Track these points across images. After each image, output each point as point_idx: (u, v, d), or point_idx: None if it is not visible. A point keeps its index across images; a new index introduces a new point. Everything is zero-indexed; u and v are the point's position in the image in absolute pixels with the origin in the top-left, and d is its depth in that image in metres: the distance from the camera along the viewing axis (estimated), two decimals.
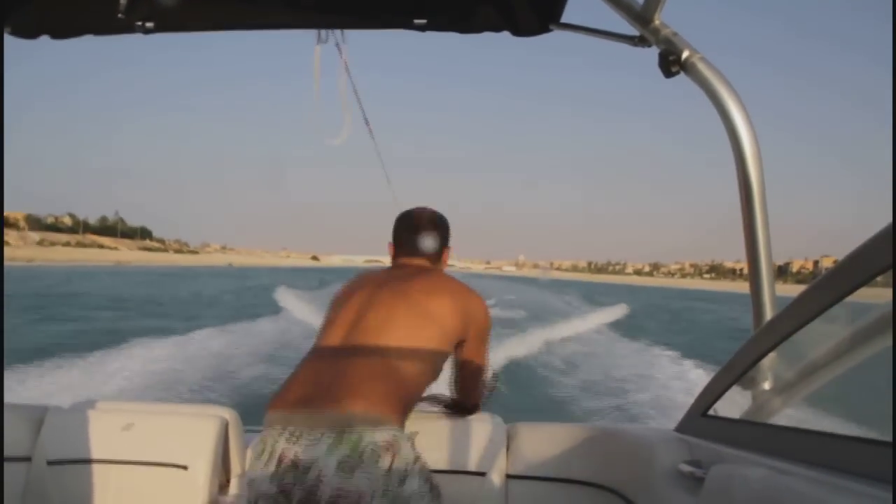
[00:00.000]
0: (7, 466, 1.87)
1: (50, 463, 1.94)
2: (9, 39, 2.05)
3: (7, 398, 1.44)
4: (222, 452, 2.03)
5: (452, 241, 2.03)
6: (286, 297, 25.27)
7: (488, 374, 2.00)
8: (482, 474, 1.93)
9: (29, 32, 2.13)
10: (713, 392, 1.59)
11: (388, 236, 2.02)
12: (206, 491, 1.94)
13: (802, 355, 1.38)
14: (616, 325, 22.16)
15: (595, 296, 44.18)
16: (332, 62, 2.26)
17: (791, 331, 1.26)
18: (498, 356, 11.96)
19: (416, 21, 2.12)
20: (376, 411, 1.55)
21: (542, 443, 1.99)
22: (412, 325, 1.73)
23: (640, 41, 1.82)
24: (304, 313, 18.87)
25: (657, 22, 1.73)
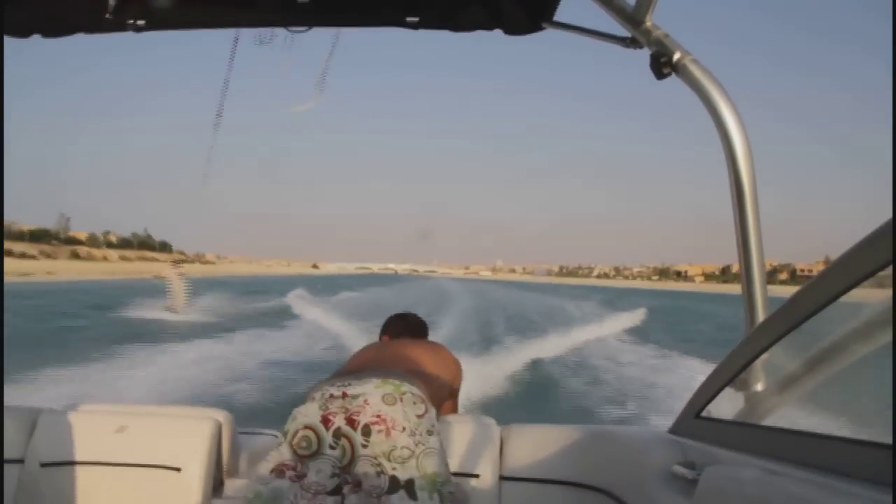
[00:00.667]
0: None
1: (43, 465, 1.93)
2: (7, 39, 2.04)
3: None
4: (216, 454, 2.02)
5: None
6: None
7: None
8: (476, 476, 1.93)
9: (21, 31, 2.12)
10: (706, 393, 1.59)
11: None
12: (200, 493, 1.93)
13: (795, 356, 1.38)
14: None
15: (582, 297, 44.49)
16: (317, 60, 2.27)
17: (784, 332, 1.26)
18: (496, 359, 12.04)
19: (409, 19, 2.13)
20: (415, 382, 1.85)
21: (535, 444, 1.99)
22: (431, 353, 2.19)
23: (631, 42, 1.82)
24: None
25: (648, 23, 1.73)
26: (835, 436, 1.09)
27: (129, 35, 2.16)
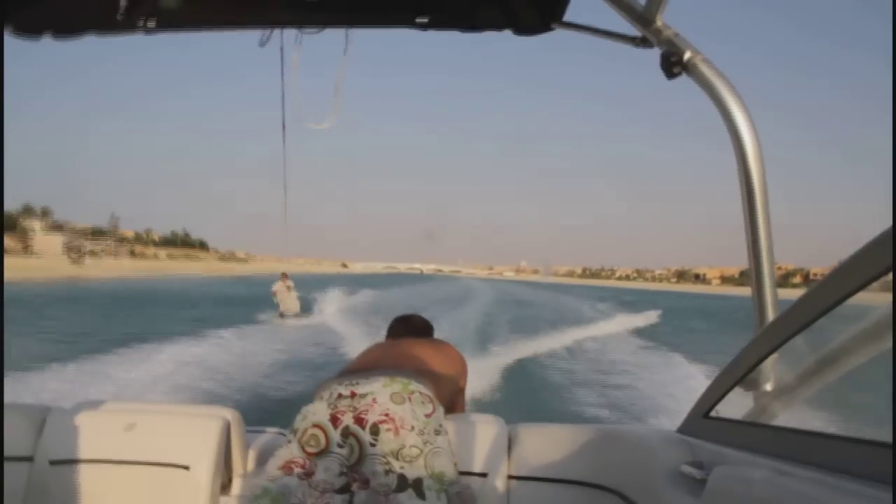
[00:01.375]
0: (9, 466, 1.88)
1: (52, 463, 1.94)
2: (11, 39, 2.05)
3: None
4: (224, 452, 2.03)
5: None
6: None
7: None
8: (484, 475, 1.93)
9: (32, 32, 2.13)
10: (715, 393, 1.59)
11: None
12: (208, 491, 1.94)
13: (804, 357, 1.37)
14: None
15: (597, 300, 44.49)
16: (330, 60, 2.29)
17: (792, 333, 1.25)
18: (502, 358, 12.01)
19: (419, 19, 2.13)
20: (422, 380, 1.87)
21: (543, 444, 1.99)
22: (437, 351, 2.19)
23: (641, 42, 1.81)
24: None
25: (659, 23, 1.72)
26: (844, 436, 1.08)
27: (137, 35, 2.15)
